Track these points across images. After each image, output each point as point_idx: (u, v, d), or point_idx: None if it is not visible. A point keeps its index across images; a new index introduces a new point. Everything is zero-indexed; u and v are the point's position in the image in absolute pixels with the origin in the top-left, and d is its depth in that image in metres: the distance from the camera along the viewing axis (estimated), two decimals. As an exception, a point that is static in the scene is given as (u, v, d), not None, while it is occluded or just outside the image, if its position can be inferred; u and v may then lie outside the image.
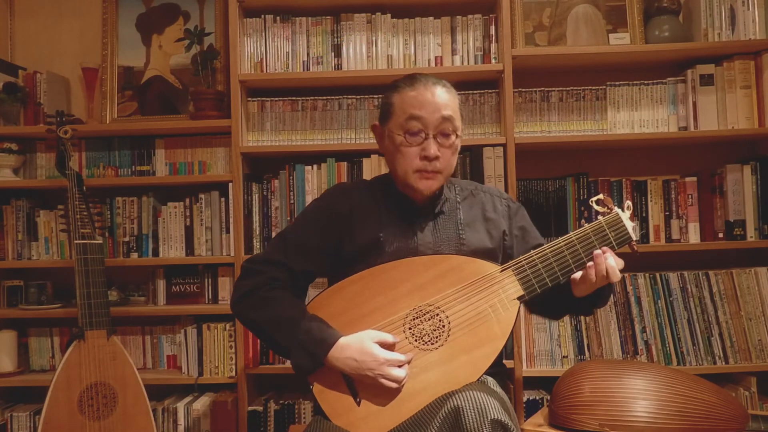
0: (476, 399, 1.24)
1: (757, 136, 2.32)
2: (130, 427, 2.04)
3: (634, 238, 1.42)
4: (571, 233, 1.42)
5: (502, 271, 1.42)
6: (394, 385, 1.35)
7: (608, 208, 1.43)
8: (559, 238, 1.43)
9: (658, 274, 2.22)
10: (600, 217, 1.43)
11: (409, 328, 1.40)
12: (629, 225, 1.41)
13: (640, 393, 1.55)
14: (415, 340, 1.40)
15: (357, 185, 1.63)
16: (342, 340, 1.39)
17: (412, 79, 1.50)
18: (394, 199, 1.55)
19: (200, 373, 2.35)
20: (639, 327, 2.21)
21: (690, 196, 2.30)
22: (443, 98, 1.47)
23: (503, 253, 1.58)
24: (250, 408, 2.27)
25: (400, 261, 1.44)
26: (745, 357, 2.18)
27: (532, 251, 1.43)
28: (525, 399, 2.19)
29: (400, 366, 1.36)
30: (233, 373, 2.31)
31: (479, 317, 1.39)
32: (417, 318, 1.41)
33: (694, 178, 2.31)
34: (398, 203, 1.55)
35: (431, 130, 1.45)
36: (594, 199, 1.45)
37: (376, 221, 1.53)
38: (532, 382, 2.26)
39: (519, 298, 1.40)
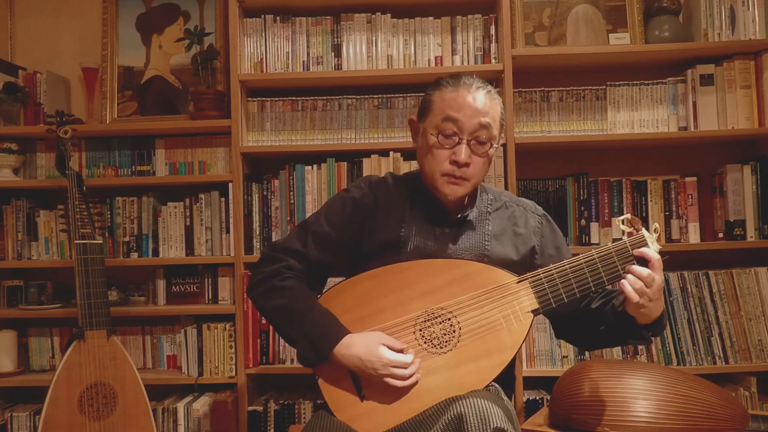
0: (480, 406, 1.23)
1: (757, 136, 2.32)
2: (130, 427, 2.03)
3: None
4: (593, 251, 1.38)
5: (518, 282, 1.40)
6: (399, 383, 1.35)
7: (635, 228, 1.39)
8: (580, 255, 1.39)
9: (658, 274, 2.22)
10: (625, 237, 1.38)
11: (419, 330, 1.40)
12: (653, 248, 1.36)
13: (640, 393, 1.55)
14: (425, 343, 1.39)
15: (386, 179, 1.58)
16: (348, 338, 1.39)
17: (456, 79, 1.45)
18: (421, 198, 1.51)
19: (200, 373, 2.35)
20: (639, 327, 2.21)
21: (690, 196, 2.30)
22: (484, 104, 1.41)
23: (531, 270, 1.51)
24: (250, 408, 2.27)
25: (417, 261, 1.43)
26: (745, 357, 2.18)
27: (551, 265, 1.40)
28: (525, 399, 2.19)
29: (406, 368, 1.35)
30: (233, 373, 2.31)
31: (491, 326, 1.38)
32: (428, 320, 1.40)
33: (694, 178, 2.31)
34: (426, 203, 1.51)
35: (466, 134, 1.40)
36: (621, 218, 1.41)
37: (399, 219, 1.50)
38: (532, 382, 2.26)
39: (533, 311, 1.38)
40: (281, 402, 2.29)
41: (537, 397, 2.20)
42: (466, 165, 1.41)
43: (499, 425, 1.21)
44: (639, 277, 1.31)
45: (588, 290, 1.38)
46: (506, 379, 1.51)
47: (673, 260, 2.33)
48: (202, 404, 2.32)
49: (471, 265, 1.42)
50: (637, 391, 1.55)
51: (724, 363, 2.18)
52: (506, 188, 2.21)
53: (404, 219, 1.50)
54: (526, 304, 1.38)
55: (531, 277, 1.39)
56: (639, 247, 1.35)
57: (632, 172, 2.42)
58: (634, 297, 1.31)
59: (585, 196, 2.30)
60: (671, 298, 2.21)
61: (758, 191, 2.24)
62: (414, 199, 1.52)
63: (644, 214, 2.30)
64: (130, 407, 2.04)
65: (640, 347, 2.20)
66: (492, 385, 1.41)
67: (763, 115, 2.24)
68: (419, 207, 1.51)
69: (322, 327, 1.41)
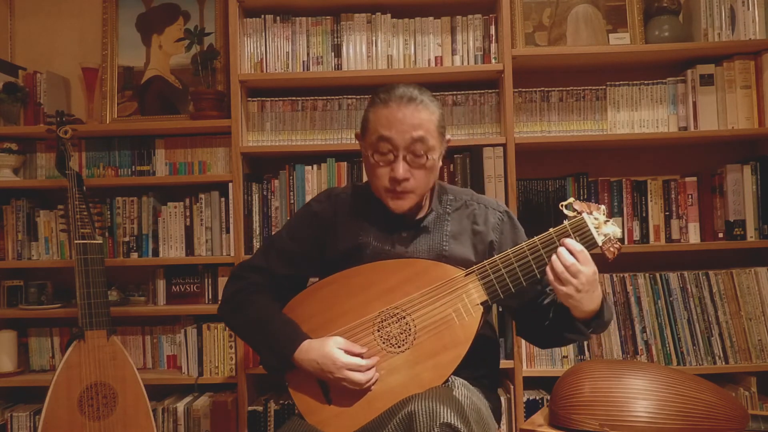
0: (429, 403, 1.25)
1: (757, 136, 2.32)
2: (130, 427, 2.03)
3: (600, 243, 1.36)
4: (535, 237, 1.39)
5: (466, 275, 1.41)
6: (357, 385, 1.37)
7: (577, 212, 1.39)
8: (523, 242, 1.41)
9: (658, 274, 2.22)
10: (566, 221, 1.39)
11: (378, 330, 1.42)
12: (595, 230, 1.36)
13: (640, 393, 1.55)
14: (383, 343, 1.42)
15: (346, 190, 1.64)
16: (306, 343, 1.42)
17: (388, 94, 1.44)
18: (377, 206, 1.54)
19: (200, 373, 2.35)
20: (639, 327, 2.21)
21: (690, 196, 2.30)
22: (416, 118, 1.41)
23: None
24: (250, 408, 2.27)
25: (371, 264, 1.45)
26: (745, 357, 2.18)
27: (495, 256, 1.42)
28: (525, 399, 2.19)
29: (362, 371, 1.38)
30: (233, 373, 2.31)
31: (443, 322, 1.39)
32: (385, 321, 1.42)
33: (694, 178, 2.31)
34: (382, 211, 1.53)
35: (401, 150, 1.41)
36: (564, 203, 1.41)
37: (358, 227, 1.54)
38: (532, 382, 2.26)
39: (482, 304, 1.40)
40: (281, 402, 2.29)
41: (537, 397, 2.20)
42: (406, 180, 1.43)
43: (446, 421, 1.22)
44: (562, 263, 1.33)
45: (533, 277, 1.39)
46: (489, 370, 1.57)
47: (673, 260, 2.35)
48: (202, 404, 2.32)
49: (421, 263, 1.44)
50: (637, 391, 1.55)
51: (724, 363, 2.18)
52: (506, 188, 2.21)
53: (363, 227, 1.54)
54: (475, 296, 1.40)
55: (478, 269, 1.41)
56: (579, 231, 1.37)
57: (632, 172, 2.42)
58: (550, 276, 1.34)
59: (585, 196, 2.30)
60: (671, 298, 2.21)
61: (758, 191, 2.24)
62: (372, 206, 1.55)
63: (644, 214, 2.30)
64: (130, 407, 2.04)
65: (640, 348, 2.20)
66: (450, 380, 1.42)
67: (763, 115, 2.24)
68: (377, 214, 1.54)
69: (282, 334, 1.45)
